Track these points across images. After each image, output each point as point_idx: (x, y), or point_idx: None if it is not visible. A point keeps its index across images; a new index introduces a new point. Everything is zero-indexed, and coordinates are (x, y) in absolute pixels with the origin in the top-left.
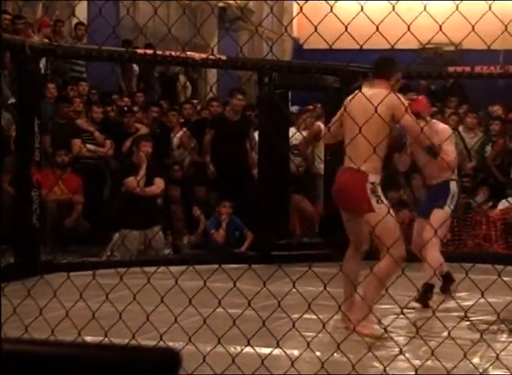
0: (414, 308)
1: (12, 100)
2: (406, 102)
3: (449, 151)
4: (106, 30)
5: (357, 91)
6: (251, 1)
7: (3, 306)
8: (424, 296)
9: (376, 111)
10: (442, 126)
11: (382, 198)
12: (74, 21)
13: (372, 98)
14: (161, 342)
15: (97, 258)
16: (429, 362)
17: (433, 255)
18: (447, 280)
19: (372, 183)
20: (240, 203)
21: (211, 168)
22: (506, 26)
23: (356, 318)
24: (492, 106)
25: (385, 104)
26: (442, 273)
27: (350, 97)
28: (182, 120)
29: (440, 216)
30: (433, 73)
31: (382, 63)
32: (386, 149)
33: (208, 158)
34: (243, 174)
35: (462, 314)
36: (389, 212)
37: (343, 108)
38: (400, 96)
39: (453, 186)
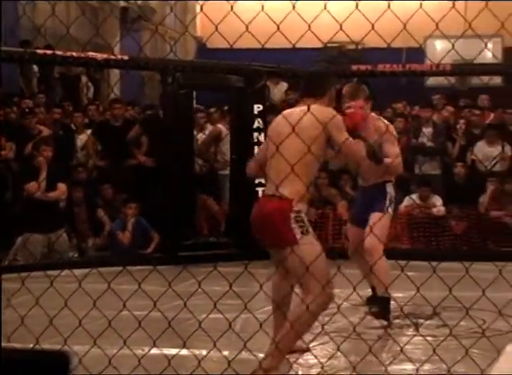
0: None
1: None
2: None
3: (392, 153)
4: (5, 30)
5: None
6: (153, 1)
7: None
8: (384, 310)
9: (294, 130)
10: (382, 123)
11: (309, 228)
12: None
13: (299, 115)
14: (66, 346)
15: (0, 263)
16: (335, 360)
17: (383, 264)
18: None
19: (297, 211)
20: (147, 204)
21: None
22: (404, 25)
23: (265, 366)
24: (395, 104)
25: (314, 119)
26: None
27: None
28: (86, 121)
29: (382, 219)
30: (336, 72)
31: (311, 81)
32: (316, 172)
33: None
34: (147, 175)
35: (367, 309)
36: (314, 244)
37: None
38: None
39: (390, 188)
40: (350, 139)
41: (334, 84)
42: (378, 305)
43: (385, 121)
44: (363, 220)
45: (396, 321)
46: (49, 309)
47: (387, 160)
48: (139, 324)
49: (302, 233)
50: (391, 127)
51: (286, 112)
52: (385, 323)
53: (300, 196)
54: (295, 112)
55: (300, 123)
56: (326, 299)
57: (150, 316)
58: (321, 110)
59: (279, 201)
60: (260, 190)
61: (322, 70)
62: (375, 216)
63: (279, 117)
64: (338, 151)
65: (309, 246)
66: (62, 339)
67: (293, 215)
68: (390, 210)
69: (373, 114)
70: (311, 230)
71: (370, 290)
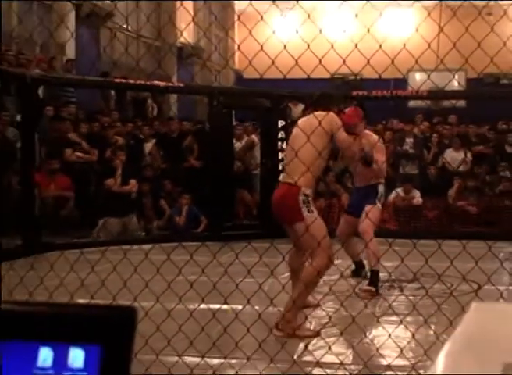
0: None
1: (17, 118)
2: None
3: (380, 160)
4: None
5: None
6: (203, 42)
7: (13, 277)
8: (375, 280)
9: (303, 130)
10: (374, 138)
11: (313, 208)
12: (65, 58)
13: (310, 119)
14: (135, 303)
15: (86, 240)
16: (339, 314)
17: (374, 244)
18: (360, 265)
19: (306, 195)
20: (197, 195)
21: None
22: (392, 60)
23: (287, 318)
24: (391, 120)
25: (323, 122)
26: (356, 259)
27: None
28: (152, 133)
29: (373, 210)
30: (340, 96)
31: (321, 98)
32: (325, 163)
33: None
34: (197, 174)
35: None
36: (317, 220)
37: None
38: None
39: (381, 188)
40: (346, 135)
41: (337, 104)
42: (372, 276)
43: (375, 136)
44: (358, 211)
45: (386, 284)
46: (123, 275)
47: (374, 166)
48: (191, 286)
49: (308, 211)
50: (380, 140)
51: (301, 119)
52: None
53: (307, 183)
54: (306, 118)
55: (308, 125)
56: (328, 261)
57: (199, 280)
58: (325, 114)
59: (290, 186)
60: None
61: (329, 92)
62: (368, 208)
63: (298, 122)
64: (341, 157)
65: (314, 221)
66: (132, 297)
67: (301, 198)
68: (379, 204)
69: (367, 131)
70: (314, 209)
71: (353, 265)
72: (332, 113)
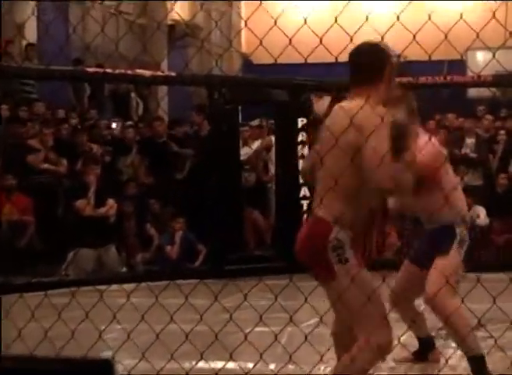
0: None
1: None
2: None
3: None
4: (57, 50)
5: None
6: (201, 18)
7: None
8: (481, 370)
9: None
10: (422, 140)
11: (348, 255)
12: (24, 42)
13: (338, 114)
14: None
15: (51, 278)
16: None
17: (459, 316)
18: (427, 345)
19: (338, 239)
20: (194, 217)
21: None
22: (446, 36)
23: None
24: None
25: (352, 122)
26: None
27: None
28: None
29: (448, 264)
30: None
31: (359, 59)
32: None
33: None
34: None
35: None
36: (359, 274)
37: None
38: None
39: (461, 229)
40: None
41: (387, 63)
42: (474, 368)
43: (425, 136)
44: (424, 260)
45: (442, 331)
46: (99, 323)
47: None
48: (186, 337)
49: (340, 261)
50: (435, 143)
51: (338, 105)
52: None
53: (343, 220)
54: (337, 108)
55: (335, 125)
56: (383, 343)
57: (197, 330)
58: (357, 105)
59: (317, 222)
60: (305, 203)
61: (371, 44)
62: (440, 260)
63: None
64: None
65: (353, 277)
66: (110, 352)
67: (331, 243)
68: (459, 252)
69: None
70: (352, 256)
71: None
72: (371, 103)
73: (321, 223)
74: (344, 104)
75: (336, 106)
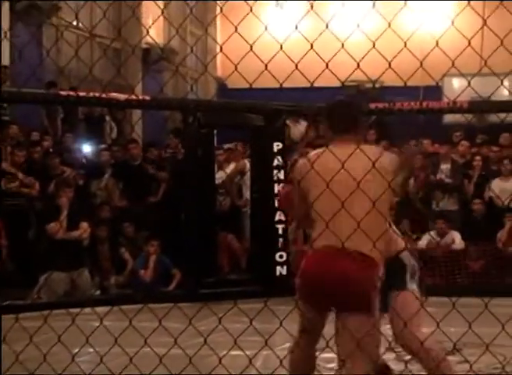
0: None
1: None
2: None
3: None
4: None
5: (319, 151)
6: (176, 42)
7: None
8: None
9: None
10: None
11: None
12: None
13: (359, 157)
14: None
15: (24, 301)
16: None
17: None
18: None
19: (380, 277)
20: (168, 241)
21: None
22: (421, 63)
23: None
24: (421, 141)
25: (386, 162)
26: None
27: (311, 159)
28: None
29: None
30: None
31: (344, 113)
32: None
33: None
34: (169, 213)
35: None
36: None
37: (297, 176)
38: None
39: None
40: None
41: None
42: None
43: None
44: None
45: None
46: (71, 347)
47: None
48: (160, 361)
49: (376, 297)
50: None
51: (339, 153)
52: None
53: (382, 258)
54: (346, 152)
55: (365, 165)
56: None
57: (171, 353)
58: (381, 150)
59: (365, 260)
60: (280, 227)
61: (347, 100)
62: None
63: (330, 158)
64: None
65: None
66: None
67: (379, 283)
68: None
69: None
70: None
71: None
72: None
73: (368, 261)
74: (365, 148)
75: (357, 150)
